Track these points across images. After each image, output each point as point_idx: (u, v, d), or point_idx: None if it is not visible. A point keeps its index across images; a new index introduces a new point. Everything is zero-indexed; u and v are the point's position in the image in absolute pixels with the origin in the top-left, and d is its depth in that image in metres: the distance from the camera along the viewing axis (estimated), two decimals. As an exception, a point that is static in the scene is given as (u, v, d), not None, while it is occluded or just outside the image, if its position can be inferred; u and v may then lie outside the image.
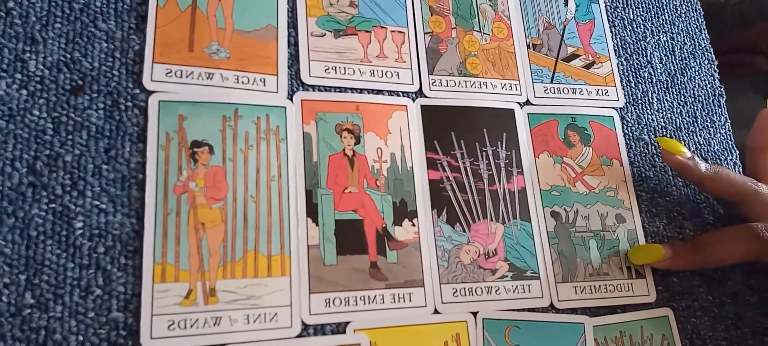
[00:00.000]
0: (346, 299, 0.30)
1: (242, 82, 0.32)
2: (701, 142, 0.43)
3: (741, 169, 0.43)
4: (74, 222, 0.27)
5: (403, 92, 0.35)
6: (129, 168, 0.29)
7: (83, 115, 0.29)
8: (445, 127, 0.35)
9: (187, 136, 0.30)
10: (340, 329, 0.29)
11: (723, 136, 0.44)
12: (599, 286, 0.35)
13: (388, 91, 0.35)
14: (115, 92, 0.30)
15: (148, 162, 0.29)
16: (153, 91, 0.30)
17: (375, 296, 0.31)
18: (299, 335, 0.29)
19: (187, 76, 0.31)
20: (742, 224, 0.37)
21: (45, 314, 0.26)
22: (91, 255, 0.27)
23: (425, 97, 0.36)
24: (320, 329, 0.29)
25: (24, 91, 0.28)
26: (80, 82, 0.29)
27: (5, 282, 0.26)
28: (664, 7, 0.46)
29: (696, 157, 0.37)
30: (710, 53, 0.46)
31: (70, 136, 0.28)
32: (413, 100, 0.35)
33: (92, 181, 0.28)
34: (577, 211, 0.36)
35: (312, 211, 0.31)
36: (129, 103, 0.30)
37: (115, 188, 0.28)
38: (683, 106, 0.43)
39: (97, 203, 0.28)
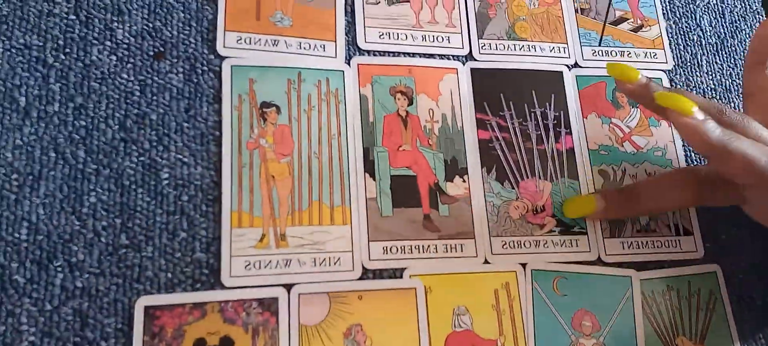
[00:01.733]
0: (402, 248, 0.32)
1: (304, 48, 0.34)
2: (752, 105, 0.43)
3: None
4: (161, 173, 0.30)
5: (453, 56, 0.37)
6: (207, 126, 0.32)
7: (165, 78, 0.32)
8: (494, 89, 0.37)
9: (257, 98, 0.33)
10: (397, 274, 0.32)
11: (775, 98, 0.44)
12: (646, 242, 0.36)
13: (439, 55, 0.37)
14: (192, 58, 0.33)
15: (224, 121, 0.32)
16: (226, 57, 0.33)
17: (429, 246, 0.33)
18: (360, 278, 0.31)
19: (255, 43, 0.34)
20: (679, 169, 0.36)
21: (138, 253, 0.29)
22: (176, 203, 0.30)
23: (475, 60, 0.37)
24: (379, 274, 0.32)
25: (113, 57, 0.32)
26: (162, 49, 0.32)
27: (103, 225, 0.29)
28: (716, -30, 0.46)
29: (652, 82, 0.33)
30: (761, 16, 0.46)
31: (154, 97, 0.31)
32: (463, 63, 0.37)
33: (175, 137, 0.31)
34: (625, 170, 0.37)
35: (369, 167, 0.34)
36: (205, 68, 0.33)
37: (196, 144, 0.31)
38: (733, 69, 0.43)
39: (180, 156, 0.31)
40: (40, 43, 0.31)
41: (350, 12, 0.36)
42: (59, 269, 0.28)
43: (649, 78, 0.33)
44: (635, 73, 0.33)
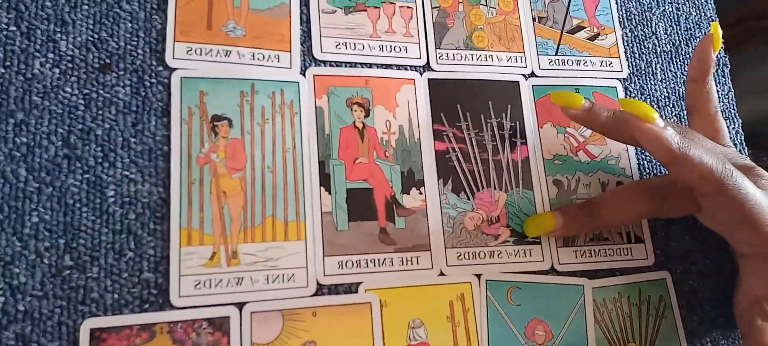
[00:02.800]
0: (358, 262, 0.32)
1: (258, 59, 0.34)
2: (704, 112, 0.44)
3: (743, 139, 0.44)
4: (106, 191, 0.30)
5: (411, 66, 0.37)
6: (155, 141, 0.31)
7: (111, 91, 0.31)
8: (451, 99, 0.37)
9: (208, 111, 0.32)
10: (352, 289, 0.32)
11: (726, 105, 0.45)
12: (598, 250, 0.37)
13: (396, 65, 0.37)
14: (140, 70, 0.32)
15: (173, 135, 0.31)
16: (175, 68, 0.32)
17: (384, 259, 0.33)
18: (315, 294, 0.31)
19: (206, 54, 0.33)
20: (635, 181, 0.37)
21: (83, 274, 0.28)
22: (123, 221, 0.29)
23: (432, 70, 0.37)
24: (334, 289, 0.31)
25: (56, 70, 0.30)
26: (108, 61, 0.31)
27: (46, 246, 0.28)
28: (671, -23, 0.47)
29: (594, 107, 0.34)
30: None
31: (100, 112, 0.30)
32: (421, 73, 0.37)
33: (122, 153, 0.30)
34: (579, 179, 0.38)
35: (325, 180, 0.33)
36: (153, 80, 0.32)
37: (143, 160, 0.30)
38: (686, 76, 0.44)
39: (126, 173, 0.30)
40: (-22, 56, 0.30)
41: (306, 21, 0.35)
42: (0, 292, 0.27)
43: (591, 102, 0.34)
44: (578, 100, 0.34)
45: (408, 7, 0.38)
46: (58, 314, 0.28)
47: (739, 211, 0.31)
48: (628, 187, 0.36)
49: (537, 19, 0.41)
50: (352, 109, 0.35)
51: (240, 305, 0.30)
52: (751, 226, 0.32)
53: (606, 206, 0.35)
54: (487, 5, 0.40)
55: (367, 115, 0.35)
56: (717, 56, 0.43)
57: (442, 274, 0.33)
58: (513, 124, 0.38)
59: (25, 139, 0.29)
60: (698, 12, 0.47)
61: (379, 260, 0.33)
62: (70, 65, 0.31)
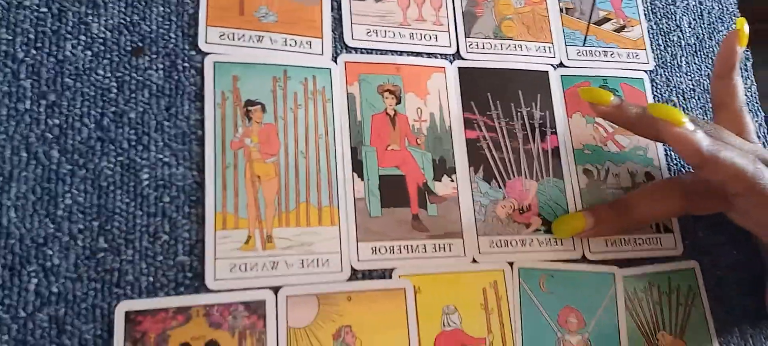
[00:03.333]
0: (391, 248, 0.32)
1: (290, 45, 0.33)
2: (728, 105, 0.44)
3: (766, 133, 0.44)
4: (140, 174, 0.29)
5: (441, 54, 0.37)
6: (188, 125, 0.31)
7: (144, 74, 0.31)
8: (481, 88, 0.37)
9: (241, 96, 0.32)
10: (386, 274, 0.31)
11: (749, 99, 0.45)
12: (628, 239, 0.37)
13: (426, 53, 0.36)
14: (172, 54, 0.31)
15: (206, 119, 0.31)
16: (208, 53, 0.32)
17: (417, 246, 0.32)
18: (349, 279, 0.31)
19: (238, 39, 0.33)
20: (666, 179, 0.36)
21: (117, 257, 0.28)
22: (157, 204, 0.29)
23: (462, 59, 0.37)
24: (368, 274, 0.31)
25: (88, 52, 0.30)
26: (140, 44, 0.31)
27: (80, 228, 0.28)
28: (693, -29, 0.47)
29: (624, 103, 0.34)
30: (737, 17, 0.47)
31: (133, 95, 0.30)
32: (451, 62, 0.37)
33: (155, 136, 0.30)
34: (609, 169, 0.38)
35: (357, 166, 0.33)
36: (186, 64, 0.31)
37: (177, 143, 0.30)
38: (711, 69, 0.44)
39: (160, 156, 0.30)
40: (10, 37, 0.29)
41: (337, 8, 0.35)
42: (33, 274, 0.27)
43: (621, 99, 0.34)
44: (608, 96, 0.34)
45: (437, -4, 0.38)
46: (92, 297, 0.27)
47: None
48: (659, 185, 0.36)
49: (564, 10, 0.41)
50: (383, 96, 0.35)
51: (275, 289, 0.29)
52: None
53: (638, 206, 0.34)
54: (514, -5, 0.40)
55: (398, 103, 0.35)
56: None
57: (474, 261, 0.33)
58: (542, 113, 0.37)
59: (57, 121, 0.29)
60: (721, 6, 0.47)
61: (412, 246, 0.32)
62: (102, 48, 0.30)
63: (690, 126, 0.31)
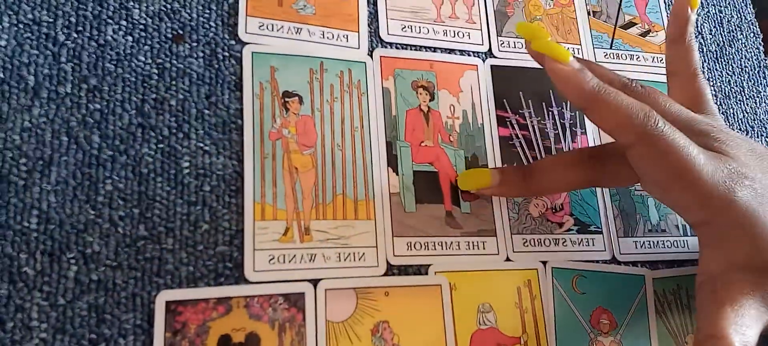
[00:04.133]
0: (426, 244, 0.32)
1: (327, 38, 0.33)
2: (747, 111, 0.44)
3: (785, 139, 0.45)
4: (181, 162, 0.29)
5: (473, 52, 0.37)
6: (228, 114, 0.30)
7: (185, 62, 0.30)
8: (513, 87, 0.37)
9: (279, 87, 0.32)
10: (422, 270, 0.31)
11: (766, 108, 0.45)
12: (657, 242, 0.37)
13: (459, 50, 0.36)
14: (212, 42, 0.31)
15: (245, 109, 0.31)
16: (247, 43, 0.32)
17: (451, 243, 0.32)
18: (385, 274, 0.30)
19: (277, 30, 0.32)
20: (575, 149, 0.34)
21: (158, 245, 0.27)
22: (198, 193, 0.29)
23: (494, 57, 0.37)
24: (404, 270, 0.31)
25: (129, 37, 0.30)
26: (181, 32, 0.31)
27: (120, 215, 0.27)
28: (714, -20, 0.47)
29: (585, 69, 0.28)
30: (756, 27, 0.48)
31: (173, 82, 0.30)
32: (483, 60, 0.37)
33: (196, 124, 0.30)
34: (636, 171, 0.38)
35: (392, 161, 0.33)
36: (226, 53, 0.31)
37: (217, 132, 0.30)
38: (731, 76, 0.45)
39: (201, 145, 0.29)
40: (51, 20, 0.29)
41: (373, 3, 0.35)
42: (73, 260, 0.26)
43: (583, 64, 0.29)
44: (566, 54, 0.28)
45: (469, -5, 0.38)
46: (133, 286, 0.27)
47: (668, 167, 0.27)
48: (566, 154, 0.34)
49: (591, 13, 0.41)
50: (417, 92, 0.35)
51: (314, 282, 0.29)
52: (685, 185, 0.27)
53: (542, 172, 0.32)
54: (544, -3, 0.40)
55: (432, 99, 0.35)
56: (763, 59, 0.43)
57: (508, 259, 0.33)
58: (572, 114, 0.38)
59: (98, 106, 0.28)
60: (739, 16, 0.47)
61: (446, 243, 0.32)
62: (143, 34, 0.30)
63: (576, 64, 0.28)
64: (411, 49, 0.35)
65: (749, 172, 0.28)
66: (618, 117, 0.27)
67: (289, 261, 0.29)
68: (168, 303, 0.27)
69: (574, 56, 0.28)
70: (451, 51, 0.36)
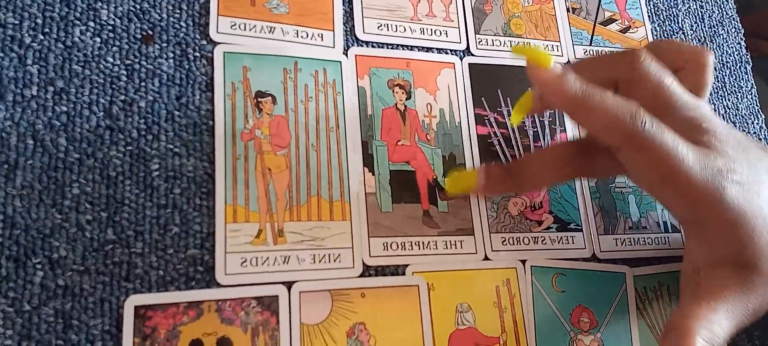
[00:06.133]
0: (403, 244, 0.31)
1: (301, 37, 0.33)
2: (729, 106, 0.44)
3: (767, 134, 0.45)
4: (150, 164, 0.28)
5: (451, 50, 0.36)
6: (199, 115, 0.30)
7: (155, 63, 0.30)
8: (491, 84, 0.36)
9: (252, 87, 0.31)
10: (399, 271, 0.31)
11: (750, 100, 0.45)
12: (638, 239, 0.36)
13: (436, 49, 0.36)
14: (183, 42, 0.31)
15: (216, 110, 0.30)
16: (219, 43, 0.31)
17: (429, 242, 0.32)
18: (361, 275, 0.30)
19: (250, 29, 0.32)
20: (561, 142, 0.34)
21: (126, 249, 0.27)
22: (168, 195, 0.28)
23: (472, 55, 0.37)
24: (380, 271, 0.31)
25: (97, 39, 0.29)
26: (150, 32, 0.30)
27: (87, 219, 0.27)
28: (695, -25, 0.47)
29: (569, 73, 0.27)
30: (737, 22, 0.48)
31: (143, 83, 0.29)
32: (461, 58, 0.36)
33: (166, 126, 0.29)
34: (617, 167, 0.38)
35: (368, 161, 0.32)
36: (197, 54, 0.31)
37: (188, 133, 0.29)
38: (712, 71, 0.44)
39: (171, 146, 0.29)
40: (16, 22, 0.28)
41: (348, 1, 0.35)
42: (39, 266, 0.26)
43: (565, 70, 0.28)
44: (548, 59, 0.28)
45: (446, -7, 0.38)
46: (101, 290, 0.26)
47: (656, 168, 0.27)
48: (551, 147, 0.33)
49: (571, 10, 0.41)
50: (393, 91, 0.34)
51: (288, 284, 0.28)
52: (674, 186, 0.27)
53: (528, 167, 0.32)
54: (522, -6, 0.40)
55: (408, 98, 0.34)
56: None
57: (486, 258, 0.33)
58: (552, 112, 0.37)
59: (65, 109, 0.28)
60: (720, 11, 0.47)
61: (423, 242, 0.32)
62: (111, 35, 0.30)
63: (557, 69, 0.27)
64: (387, 48, 0.35)
65: (737, 166, 0.28)
66: (604, 120, 0.27)
67: (262, 263, 0.29)
68: (137, 308, 0.26)
69: (554, 61, 0.28)
70: (428, 49, 0.36)
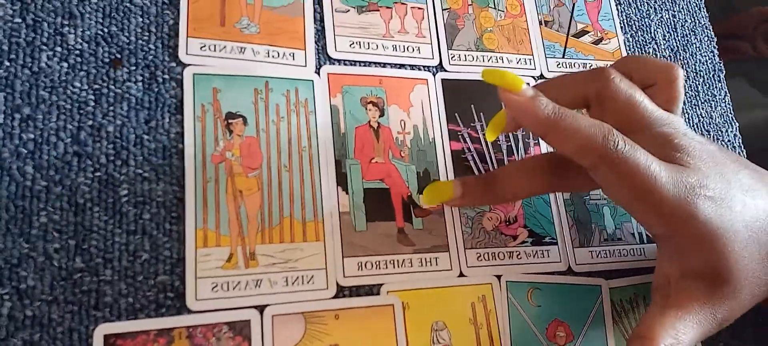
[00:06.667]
0: (377, 263, 0.31)
1: (272, 57, 0.33)
2: (703, 116, 0.45)
3: (741, 142, 0.45)
4: (119, 190, 0.28)
5: (424, 66, 0.36)
6: (169, 138, 0.30)
7: (123, 87, 0.30)
8: (464, 100, 0.36)
9: (222, 108, 0.31)
10: (373, 291, 0.31)
11: (723, 109, 0.46)
12: (613, 250, 0.37)
13: (409, 65, 0.36)
14: (152, 65, 0.30)
15: (186, 132, 0.30)
16: (188, 64, 0.31)
17: (404, 260, 0.32)
18: (335, 296, 0.30)
19: (220, 50, 0.32)
20: (537, 154, 0.34)
21: (95, 277, 0.27)
22: (137, 221, 0.28)
23: (445, 71, 0.37)
24: (355, 291, 0.30)
25: (64, 64, 0.29)
26: (118, 56, 0.30)
27: (55, 247, 0.27)
28: (667, -14, 0.48)
29: (540, 96, 0.28)
30: (710, 31, 0.48)
31: (111, 108, 0.29)
32: (434, 74, 0.36)
33: (135, 150, 0.29)
34: (591, 179, 0.38)
35: (342, 180, 0.32)
36: (166, 76, 0.31)
37: (157, 158, 0.29)
38: (685, 81, 0.45)
39: (140, 171, 0.29)
40: (-19, 48, 0.28)
41: (320, 19, 0.35)
42: (6, 297, 0.25)
43: (536, 91, 0.28)
44: (519, 82, 0.28)
45: (419, 8, 0.38)
46: (69, 320, 0.26)
47: (631, 187, 0.27)
48: (527, 160, 0.34)
49: (543, 23, 0.41)
50: (366, 109, 0.34)
51: (260, 308, 0.28)
52: (647, 204, 0.27)
53: (503, 181, 0.32)
54: (495, 8, 0.40)
55: (381, 115, 0.34)
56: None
57: (461, 275, 0.33)
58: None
59: (32, 136, 0.28)
60: (693, 19, 0.48)
61: (398, 261, 0.32)
62: (79, 59, 0.29)
63: (529, 92, 0.27)
64: (360, 66, 0.35)
65: (709, 181, 0.28)
66: (576, 142, 0.27)
67: (234, 288, 0.28)
68: (106, 337, 0.26)
69: (526, 84, 0.28)
70: (401, 66, 0.36)
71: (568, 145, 0.27)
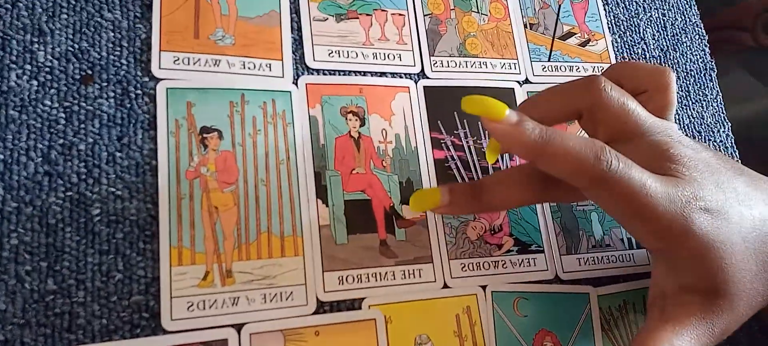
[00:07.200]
0: (359, 276, 0.31)
1: (248, 68, 0.32)
2: (694, 116, 0.44)
3: (734, 142, 0.44)
4: (91, 209, 0.28)
5: (405, 74, 0.36)
6: (142, 155, 0.29)
7: (94, 103, 0.29)
8: (447, 107, 0.36)
9: (196, 123, 0.30)
10: (355, 305, 0.30)
11: (715, 109, 0.45)
12: (601, 257, 0.36)
13: (390, 73, 0.36)
14: (124, 81, 0.30)
15: (160, 148, 0.29)
16: (161, 79, 0.30)
17: (386, 273, 0.31)
18: (315, 312, 0.29)
19: (194, 63, 0.31)
20: (523, 164, 0.33)
21: (68, 299, 0.26)
22: (110, 241, 0.27)
23: (427, 78, 0.36)
24: (336, 306, 0.30)
25: (34, 82, 0.29)
26: (90, 72, 0.30)
27: (27, 269, 0.26)
28: (655, -16, 0.47)
29: (525, 120, 0.27)
30: (701, 29, 0.47)
31: (82, 125, 0.29)
32: (415, 81, 0.36)
33: (107, 168, 0.28)
34: (578, 185, 0.37)
35: (321, 192, 0.32)
36: (139, 92, 0.30)
37: (130, 175, 0.29)
38: (676, 81, 0.44)
39: (112, 189, 0.28)
40: (-52, 68, 0.28)
41: (297, 29, 0.34)
42: (-26, 322, 0.25)
43: (519, 115, 0.27)
44: (502, 109, 0.27)
45: (400, 15, 0.37)
46: (42, 344, 0.25)
47: (626, 205, 0.26)
48: (515, 170, 0.33)
49: (528, 26, 0.40)
50: (346, 119, 0.34)
51: (238, 327, 0.28)
52: (642, 221, 0.27)
53: (490, 190, 0.31)
54: (478, 12, 0.39)
55: (362, 124, 0.34)
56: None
57: (446, 286, 0.32)
58: (510, 130, 0.37)
59: (1, 156, 0.27)
60: (683, 17, 0.47)
61: (380, 273, 0.31)
62: (49, 77, 0.29)
63: (514, 117, 0.27)
64: (339, 75, 0.34)
65: (705, 193, 0.27)
66: (568, 165, 0.26)
67: (210, 306, 0.28)
68: (78, 361, 0.25)
69: (509, 110, 0.27)
70: (382, 74, 0.35)
71: (560, 168, 0.27)
